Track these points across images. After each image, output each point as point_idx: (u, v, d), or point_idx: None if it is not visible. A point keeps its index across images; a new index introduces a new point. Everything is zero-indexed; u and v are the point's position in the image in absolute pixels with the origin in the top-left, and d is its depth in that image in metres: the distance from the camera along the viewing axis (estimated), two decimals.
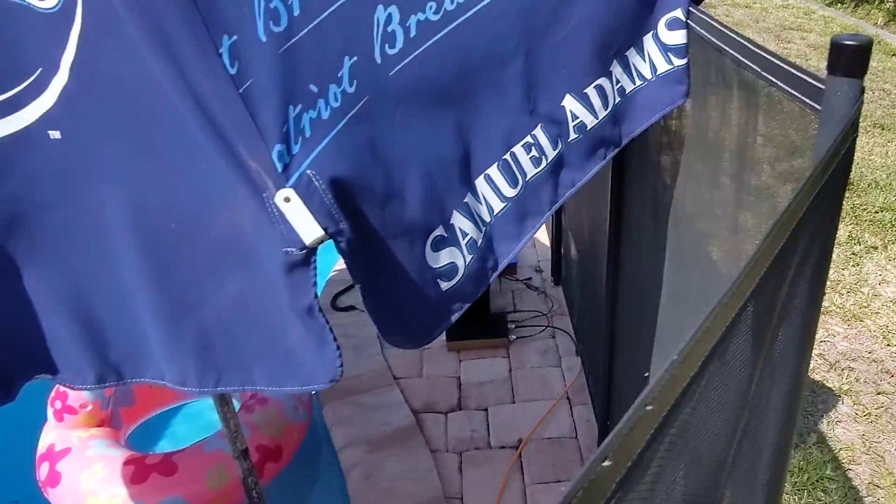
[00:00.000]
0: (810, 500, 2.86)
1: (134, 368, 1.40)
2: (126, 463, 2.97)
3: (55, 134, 1.22)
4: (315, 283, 1.16)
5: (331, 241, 1.19)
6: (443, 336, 3.81)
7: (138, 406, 3.48)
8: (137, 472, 2.93)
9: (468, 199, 1.40)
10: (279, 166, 1.11)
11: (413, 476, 2.98)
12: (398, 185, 1.25)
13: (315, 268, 1.15)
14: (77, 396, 3.18)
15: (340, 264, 4.54)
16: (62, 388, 3.25)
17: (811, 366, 3.39)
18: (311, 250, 1.13)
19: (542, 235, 4.73)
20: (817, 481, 2.92)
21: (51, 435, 3.16)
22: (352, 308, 4.10)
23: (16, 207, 1.26)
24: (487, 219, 1.44)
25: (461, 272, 1.37)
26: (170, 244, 1.25)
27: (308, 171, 1.13)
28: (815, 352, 3.65)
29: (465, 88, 1.39)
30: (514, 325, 3.80)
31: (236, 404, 3.51)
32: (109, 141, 1.21)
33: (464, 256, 1.37)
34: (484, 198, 1.43)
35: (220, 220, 1.20)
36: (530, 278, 4.27)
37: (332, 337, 1.22)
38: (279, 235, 1.13)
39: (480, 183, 1.42)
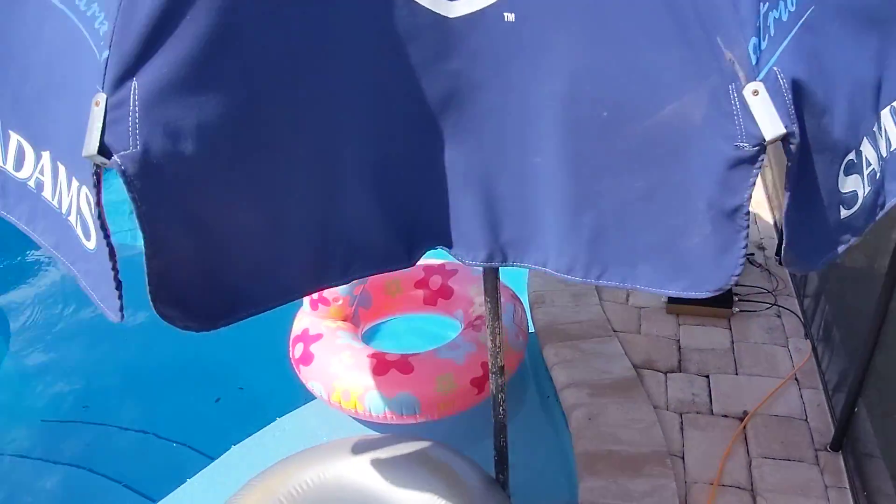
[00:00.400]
0: None
1: (520, 252, 1.53)
2: (370, 356, 3.25)
3: (510, 16, 1.31)
4: (752, 185, 1.20)
5: None
6: (661, 297, 3.82)
7: (374, 310, 3.78)
8: (378, 366, 3.20)
9: (875, 128, 1.39)
10: (753, 59, 1.14)
11: (636, 426, 3.06)
12: (830, 99, 1.25)
13: (758, 168, 1.19)
14: (331, 291, 3.48)
15: None
16: None
17: None
18: (763, 149, 1.17)
19: (765, 212, 4.57)
20: None
21: (305, 320, 3.49)
22: None
23: (455, 84, 1.37)
24: (884, 153, 1.42)
25: (859, 202, 1.36)
26: (595, 133, 1.32)
27: (775, 68, 1.15)
28: None
29: (889, 13, 1.38)
30: (737, 298, 3.73)
31: (459, 325, 3.72)
32: (559, 27, 1.28)
33: (864, 186, 1.36)
34: (885, 131, 1.41)
35: (660, 111, 1.26)
36: (752, 254, 4.16)
37: (744, 244, 1.28)
38: (734, 129, 1.17)
39: (885, 115, 1.40)
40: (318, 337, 3.39)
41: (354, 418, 3.39)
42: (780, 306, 3.73)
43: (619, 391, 3.24)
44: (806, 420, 3.07)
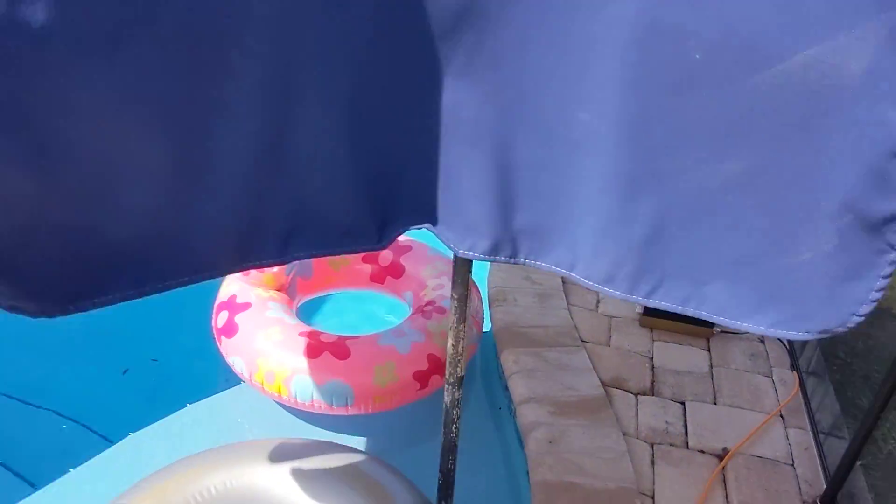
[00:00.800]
0: None
1: (538, 246, 1.07)
2: (301, 334, 2.81)
3: None
4: None
5: None
6: (634, 306, 3.42)
7: (314, 282, 3.30)
8: (311, 347, 2.76)
9: None
10: None
11: (603, 456, 2.64)
12: None
13: None
14: None
15: None
16: None
17: None
18: None
19: None
20: None
21: (233, 286, 3.02)
22: None
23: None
24: None
25: None
26: (675, 83, 0.87)
27: None
28: None
29: None
30: None
31: (408, 309, 3.26)
32: None
33: None
34: None
35: (792, 55, 0.80)
36: None
37: (888, 271, 0.84)
38: None
39: None
40: (246, 306, 2.93)
41: (279, 404, 2.94)
42: None
43: (585, 412, 2.82)
44: (792, 465, 2.71)
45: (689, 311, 1.05)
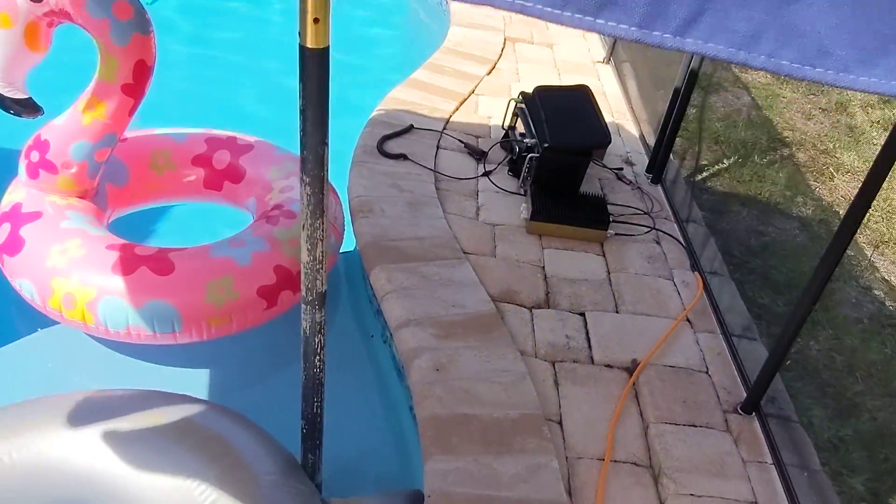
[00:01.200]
0: None
1: None
2: (110, 247, 2.22)
3: None
4: None
5: None
6: (520, 212, 2.98)
7: (130, 190, 2.64)
8: (123, 262, 2.18)
9: None
10: None
11: (500, 380, 2.19)
12: None
13: None
14: (59, 152, 2.33)
15: (385, 103, 3.59)
16: (43, 138, 2.37)
17: None
18: None
19: (629, 124, 3.90)
20: None
21: (19, 193, 2.38)
22: (403, 157, 3.19)
23: None
24: None
25: None
26: None
27: None
28: None
29: None
30: (610, 219, 2.99)
31: (251, 216, 2.66)
32: None
33: None
34: None
35: None
36: (621, 168, 3.45)
37: None
38: None
39: None
40: (36, 216, 2.30)
41: (87, 335, 2.32)
42: (659, 230, 3.05)
43: (475, 331, 2.36)
44: (707, 372, 2.40)
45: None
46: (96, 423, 1.82)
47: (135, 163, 2.64)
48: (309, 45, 1.16)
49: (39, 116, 2.30)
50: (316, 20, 1.13)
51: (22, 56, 2.19)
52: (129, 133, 2.65)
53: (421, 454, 1.97)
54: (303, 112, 1.25)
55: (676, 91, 3.17)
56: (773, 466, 2.08)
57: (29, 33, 2.15)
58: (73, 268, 2.18)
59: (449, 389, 2.13)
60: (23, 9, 2.11)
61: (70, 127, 2.34)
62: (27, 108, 2.25)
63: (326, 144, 1.31)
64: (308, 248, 1.47)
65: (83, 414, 1.85)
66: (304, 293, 1.55)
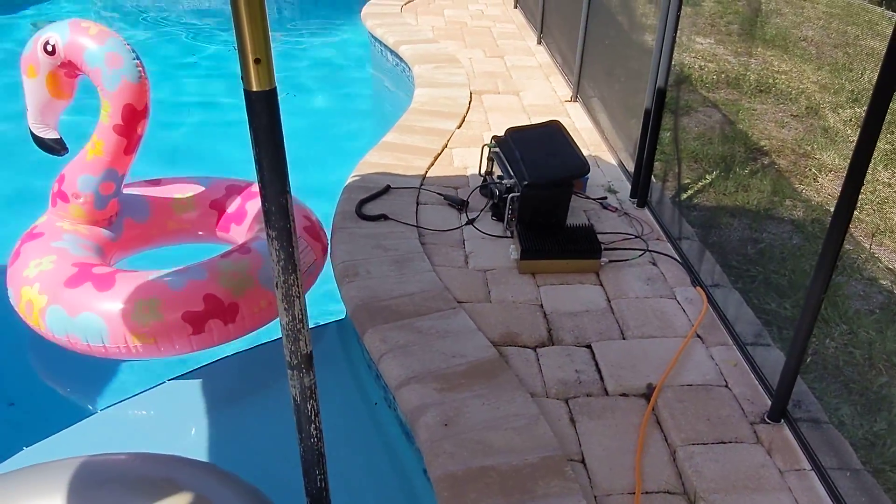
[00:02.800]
0: None
1: None
2: (75, 264, 2.54)
3: None
4: None
5: None
6: (509, 254, 2.92)
7: (149, 226, 2.99)
8: (75, 277, 2.47)
9: None
10: None
11: (513, 426, 2.08)
12: None
13: None
14: (70, 183, 2.74)
15: (360, 168, 3.57)
16: (62, 172, 2.77)
17: None
18: None
19: (606, 155, 3.88)
20: None
21: (42, 218, 2.83)
22: (383, 217, 3.15)
23: None
24: None
25: None
26: None
27: None
28: None
29: None
30: (602, 247, 2.92)
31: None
32: None
33: None
34: None
35: None
36: (605, 197, 3.41)
37: None
38: None
39: None
40: (38, 236, 2.70)
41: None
42: (653, 252, 2.98)
43: (479, 379, 2.26)
44: (727, 386, 2.29)
45: None
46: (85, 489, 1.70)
47: (157, 202, 2.95)
48: (254, 87, 1.11)
49: (65, 154, 2.77)
50: (257, 60, 1.09)
51: (48, 101, 2.65)
52: (165, 177, 3.11)
53: None
54: (258, 161, 1.20)
55: (647, 112, 3.16)
56: (812, 472, 1.95)
57: (50, 82, 2.60)
58: (38, 279, 2.48)
59: (460, 443, 2.02)
60: (42, 62, 2.56)
61: (78, 162, 2.71)
62: (57, 146, 2.74)
63: (288, 192, 1.25)
64: (285, 308, 1.39)
65: (73, 480, 1.73)
66: (287, 357, 1.47)
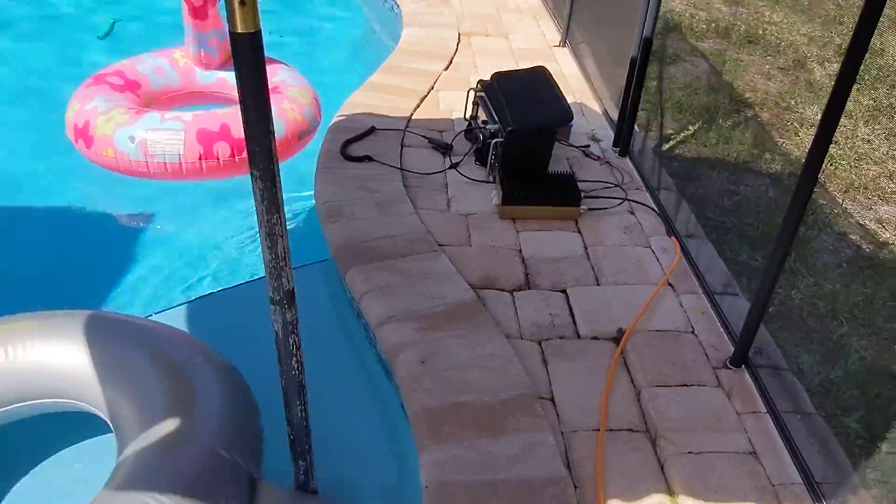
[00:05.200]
0: None
1: None
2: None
3: None
4: None
5: None
6: (491, 199, 2.97)
7: None
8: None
9: None
10: None
11: (489, 365, 2.18)
12: None
13: None
14: None
15: (345, 108, 3.58)
16: None
17: None
18: None
19: (592, 103, 3.91)
20: None
21: None
22: (368, 158, 3.18)
23: None
24: None
25: None
26: None
27: None
28: None
29: None
30: (581, 195, 2.98)
31: None
32: None
33: None
34: None
35: None
36: (588, 145, 3.45)
37: None
38: None
39: None
40: None
41: None
42: (632, 201, 3.05)
43: (457, 320, 2.34)
44: (693, 332, 2.39)
45: None
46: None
47: None
48: (239, 29, 1.14)
49: None
50: (242, 2, 1.11)
51: None
52: None
53: (415, 448, 1.94)
54: (243, 103, 1.23)
55: (633, 61, 3.18)
56: (767, 415, 2.07)
57: None
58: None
59: (437, 380, 2.11)
60: None
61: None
62: None
63: (272, 133, 1.29)
64: (269, 246, 1.44)
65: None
66: (270, 293, 1.52)
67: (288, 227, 1.46)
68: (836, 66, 5.11)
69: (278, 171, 1.35)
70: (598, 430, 2.04)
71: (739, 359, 2.22)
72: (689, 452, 1.95)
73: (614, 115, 3.54)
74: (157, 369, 1.86)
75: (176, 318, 2.54)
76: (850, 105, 4.64)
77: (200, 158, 2.87)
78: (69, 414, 1.96)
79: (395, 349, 2.22)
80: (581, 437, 2.02)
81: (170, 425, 1.74)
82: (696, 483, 1.87)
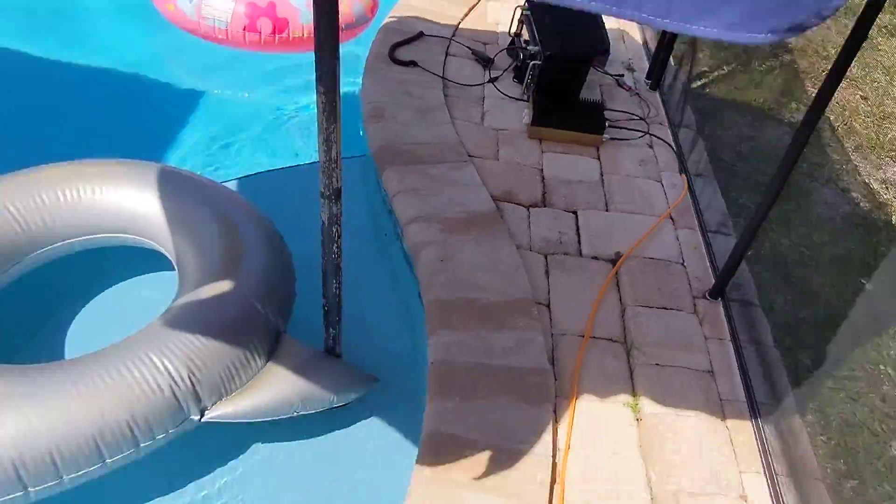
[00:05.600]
0: None
1: None
2: None
3: None
4: None
5: None
6: (522, 118, 3.21)
7: None
8: None
9: None
10: None
11: (497, 269, 2.50)
12: None
13: None
14: None
15: (397, 10, 3.75)
16: None
17: None
18: None
19: (633, 30, 4.04)
20: None
21: None
22: (413, 63, 3.40)
23: None
24: None
25: None
26: None
27: None
28: None
29: None
30: (606, 124, 3.21)
31: None
32: None
33: None
34: None
35: None
36: (622, 75, 3.63)
37: None
38: None
39: None
40: None
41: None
42: (653, 135, 3.27)
43: (475, 227, 2.65)
44: (683, 264, 2.69)
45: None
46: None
47: None
48: None
49: None
50: None
51: None
52: None
53: (425, 331, 2.30)
54: (317, 27, 1.49)
55: None
56: (730, 342, 2.40)
57: None
58: None
59: (452, 277, 2.45)
60: None
61: None
62: None
63: (338, 58, 1.56)
64: (325, 150, 1.74)
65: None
66: (322, 189, 1.83)
67: None
68: (887, 17, 5.11)
69: (339, 89, 1.63)
70: (583, 336, 2.38)
71: (717, 291, 2.53)
72: (657, 364, 2.29)
73: (653, 47, 3.69)
74: (217, 224, 2.20)
75: (237, 186, 2.88)
76: (890, 61, 4.70)
77: (244, 30, 3.06)
78: (137, 249, 2.34)
79: (419, 246, 2.55)
80: (567, 339, 2.36)
81: (220, 275, 2.09)
82: (656, 389, 2.22)
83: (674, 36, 3.42)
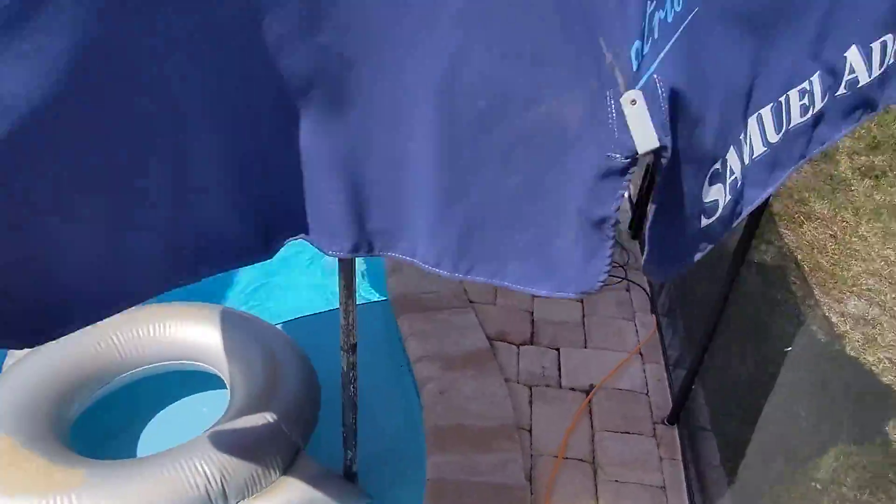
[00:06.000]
0: None
1: (387, 242, 1.39)
2: None
3: None
4: (621, 196, 1.11)
5: None
6: None
7: None
8: None
9: (742, 135, 1.33)
10: (634, 64, 1.03)
11: (487, 400, 3.04)
12: (705, 109, 1.17)
13: (628, 181, 1.10)
14: None
15: None
16: None
17: None
18: (634, 162, 1.07)
19: None
20: None
21: None
22: None
23: (322, 60, 1.20)
24: (747, 161, 1.36)
25: (718, 211, 1.31)
26: (471, 123, 1.19)
27: (655, 76, 1.05)
28: None
29: (771, 19, 1.33)
30: None
31: None
32: (439, 2, 1.14)
33: (725, 195, 1.30)
34: (750, 139, 1.35)
35: (540, 107, 1.13)
36: None
37: (609, 252, 1.20)
38: (607, 138, 1.06)
39: (752, 122, 1.36)
40: None
41: None
42: (630, 280, 3.84)
43: (471, 364, 3.22)
44: (647, 394, 3.18)
45: (496, 283, 1.40)
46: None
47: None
48: None
49: None
50: None
51: None
52: None
53: (426, 452, 2.84)
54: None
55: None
56: (681, 462, 2.86)
57: None
58: None
59: (448, 407, 3.00)
60: None
61: None
62: None
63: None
64: (343, 316, 2.35)
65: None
66: (341, 343, 2.43)
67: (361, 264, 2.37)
68: (863, 159, 5.67)
69: (355, 277, 2.26)
70: (557, 456, 2.87)
71: (673, 417, 3.01)
72: (617, 481, 2.76)
73: (635, 198, 4.31)
74: (262, 357, 2.80)
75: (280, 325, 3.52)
76: (861, 201, 5.20)
77: None
78: (198, 373, 2.98)
79: (424, 380, 3.12)
80: (544, 460, 2.86)
81: (261, 398, 2.67)
82: (616, 503, 2.68)
83: (651, 185, 4.04)
